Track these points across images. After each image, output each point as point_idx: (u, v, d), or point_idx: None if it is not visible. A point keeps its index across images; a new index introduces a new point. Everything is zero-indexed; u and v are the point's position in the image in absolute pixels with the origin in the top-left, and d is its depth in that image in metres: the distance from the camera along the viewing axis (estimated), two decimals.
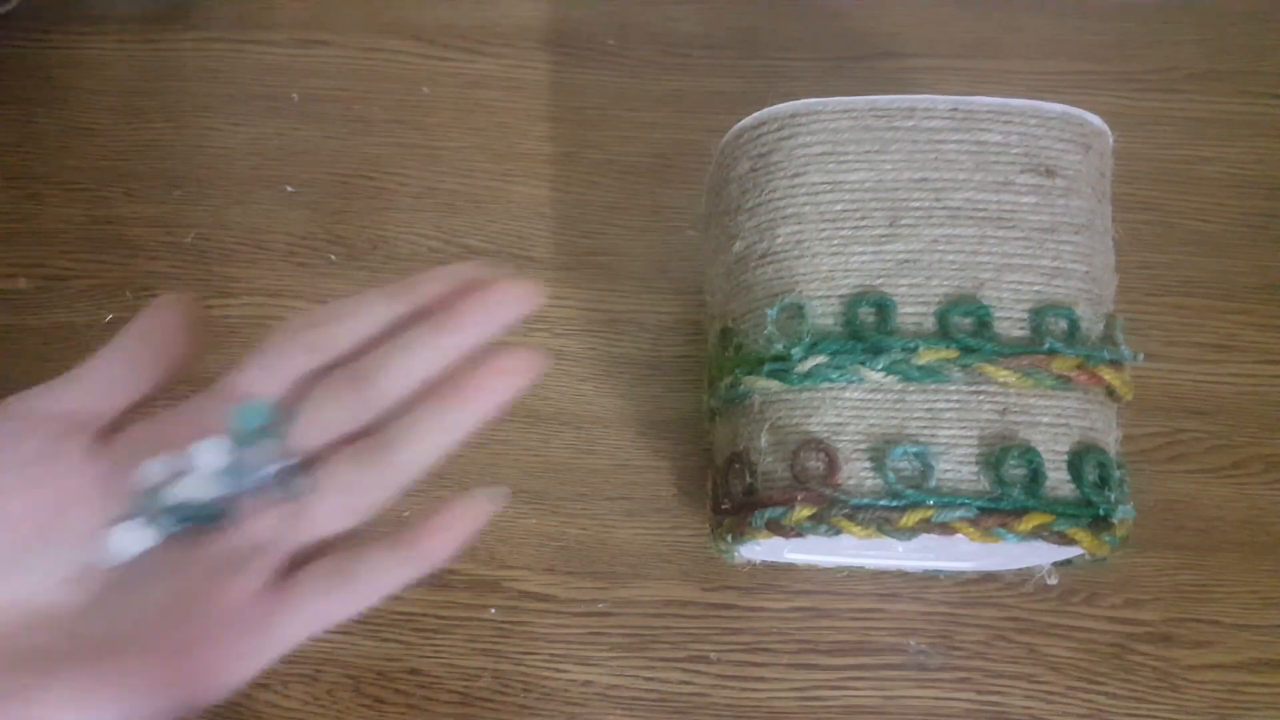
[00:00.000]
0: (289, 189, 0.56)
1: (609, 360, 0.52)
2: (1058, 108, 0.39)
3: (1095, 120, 0.40)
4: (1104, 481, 0.36)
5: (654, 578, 0.48)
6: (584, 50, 0.59)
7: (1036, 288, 0.38)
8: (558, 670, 0.47)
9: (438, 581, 0.48)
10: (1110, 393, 0.38)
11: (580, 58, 0.59)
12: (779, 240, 0.39)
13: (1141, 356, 0.39)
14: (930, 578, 0.47)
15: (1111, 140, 0.41)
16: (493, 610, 0.48)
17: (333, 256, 0.55)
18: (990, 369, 0.36)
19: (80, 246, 0.56)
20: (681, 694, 0.46)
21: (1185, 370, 0.51)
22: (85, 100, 0.59)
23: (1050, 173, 0.38)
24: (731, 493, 0.40)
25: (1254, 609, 0.47)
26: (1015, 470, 0.36)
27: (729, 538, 0.40)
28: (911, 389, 0.37)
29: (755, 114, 0.40)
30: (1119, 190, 0.55)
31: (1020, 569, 0.46)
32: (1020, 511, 0.35)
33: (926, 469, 0.36)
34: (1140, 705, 0.46)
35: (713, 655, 0.47)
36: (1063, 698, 0.46)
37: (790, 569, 0.47)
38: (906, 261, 0.38)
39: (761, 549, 0.42)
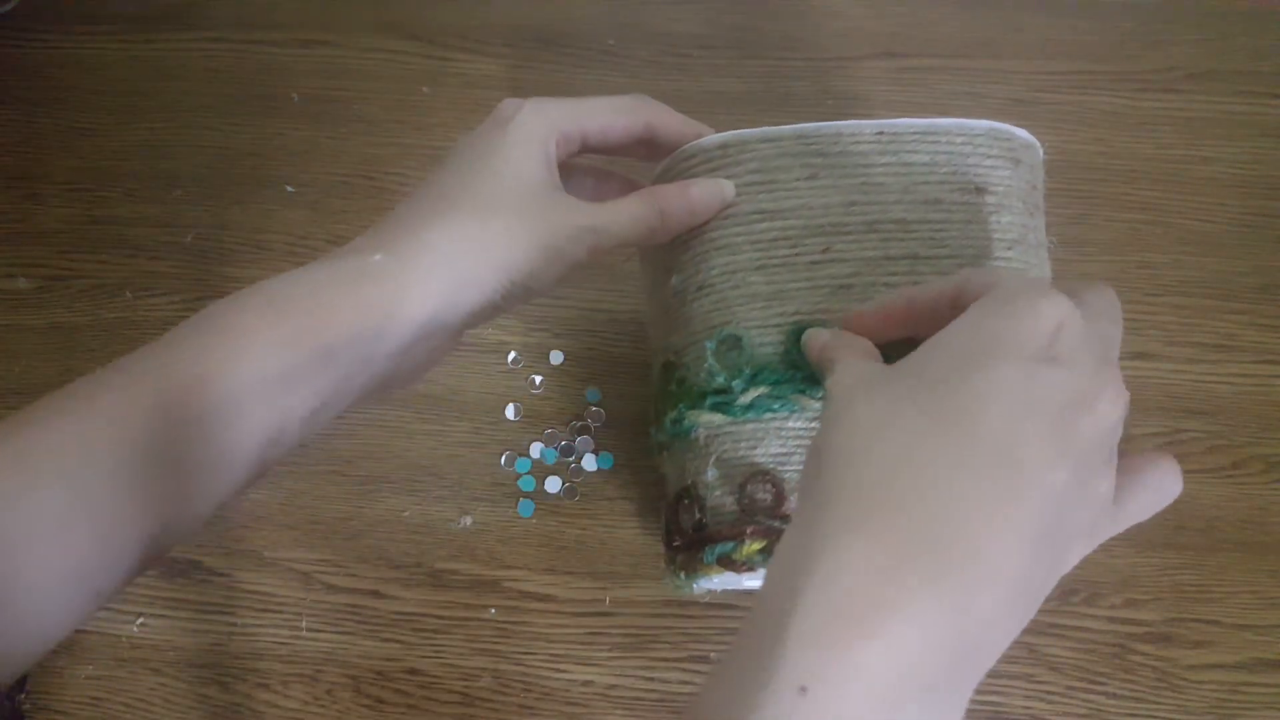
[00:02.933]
0: (289, 189, 0.56)
1: (609, 360, 0.52)
2: (984, 124, 0.38)
3: (1023, 134, 0.39)
4: None
5: (654, 578, 0.48)
6: (584, 50, 0.59)
7: None
8: (558, 670, 0.47)
9: (438, 581, 0.48)
10: None
11: (580, 58, 0.59)
12: (714, 272, 0.38)
13: None
14: None
15: (1041, 153, 0.40)
16: (493, 610, 0.48)
17: None
18: None
19: (80, 246, 0.56)
20: (681, 694, 0.46)
21: (1185, 370, 0.51)
22: (85, 100, 0.59)
23: (980, 190, 0.38)
24: (682, 528, 0.39)
25: (1254, 609, 0.47)
26: None
27: (682, 574, 0.39)
28: None
29: (683, 147, 0.40)
30: (1119, 190, 0.55)
31: None
32: None
33: None
34: (1140, 705, 0.46)
35: (713, 655, 0.47)
36: (1063, 698, 0.46)
37: None
38: (842, 287, 0.37)
39: (720, 580, 0.41)
